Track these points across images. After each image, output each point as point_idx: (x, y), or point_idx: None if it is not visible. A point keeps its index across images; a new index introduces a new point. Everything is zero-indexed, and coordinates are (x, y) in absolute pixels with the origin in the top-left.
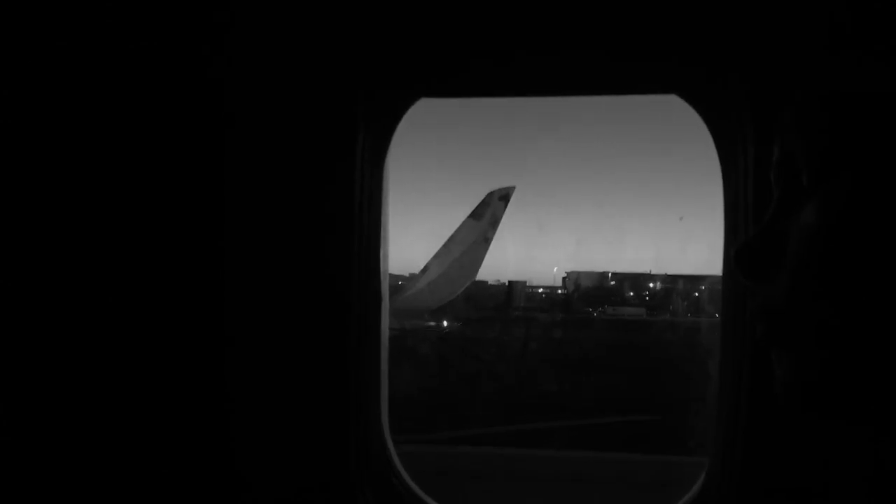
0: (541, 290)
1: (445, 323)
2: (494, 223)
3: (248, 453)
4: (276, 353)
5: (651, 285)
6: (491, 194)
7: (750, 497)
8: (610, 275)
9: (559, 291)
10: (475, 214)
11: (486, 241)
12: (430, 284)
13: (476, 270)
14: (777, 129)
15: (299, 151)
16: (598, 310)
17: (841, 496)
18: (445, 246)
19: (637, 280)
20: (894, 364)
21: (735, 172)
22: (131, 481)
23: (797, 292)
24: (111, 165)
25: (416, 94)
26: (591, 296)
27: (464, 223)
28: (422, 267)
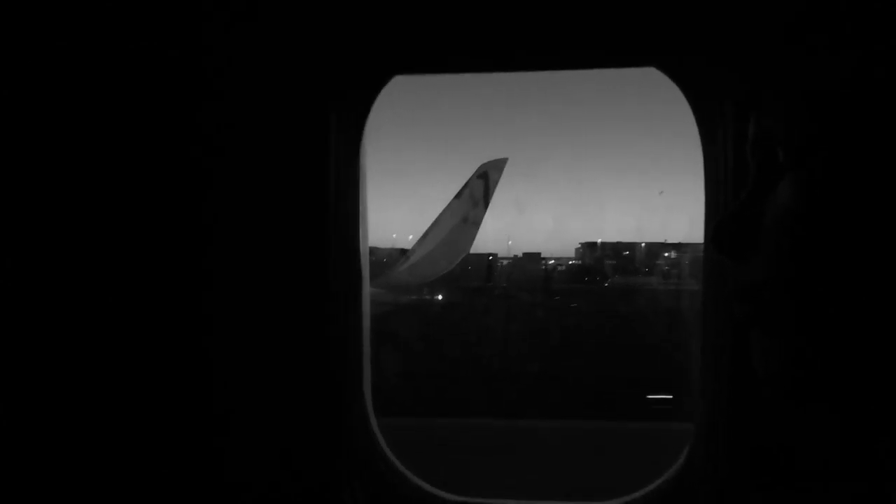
0: (552, 262)
1: (440, 297)
2: (478, 206)
3: (231, 436)
4: (258, 336)
5: (666, 254)
6: (482, 167)
7: (736, 459)
8: (624, 245)
9: (570, 262)
10: (466, 188)
11: (474, 223)
12: (422, 259)
13: (470, 243)
14: (755, 107)
15: (270, 135)
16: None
17: (817, 454)
18: (436, 221)
19: (651, 249)
20: (870, 348)
21: (714, 145)
22: (115, 458)
23: (773, 274)
24: (88, 159)
25: (389, 72)
26: (608, 266)
27: (454, 198)
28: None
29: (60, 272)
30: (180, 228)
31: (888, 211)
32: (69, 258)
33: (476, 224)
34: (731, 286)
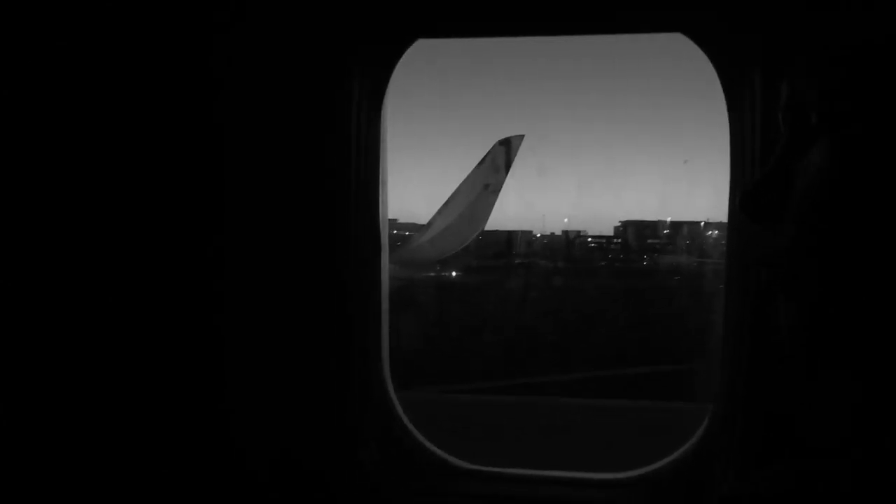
0: (589, 241)
1: (454, 273)
2: (499, 173)
3: (250, 405)
4: (277, 302)
5: (709, 234)
6: (496, 144)
7: (751, 442)
8: (667, 223)
9: (615, 241)
10: (482, 165)
11: (494, 191)
12: (436, 236)
13: (485, 221)
14: (788, 71)
15: (293, 99)
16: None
17: (836, 425)
18: (451, 197)
19: (693, 228)
20: (879, 320)
21: (741, 112)
22: (131, 431)
23: (801, 238)
24: (102, 136)
25: (412, 36)
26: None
27: (470, 174)
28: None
29: (73, 265)
30: (199, 194)
31: None
32: (81, 249)
33: (496, 192)
34: (757, 252)
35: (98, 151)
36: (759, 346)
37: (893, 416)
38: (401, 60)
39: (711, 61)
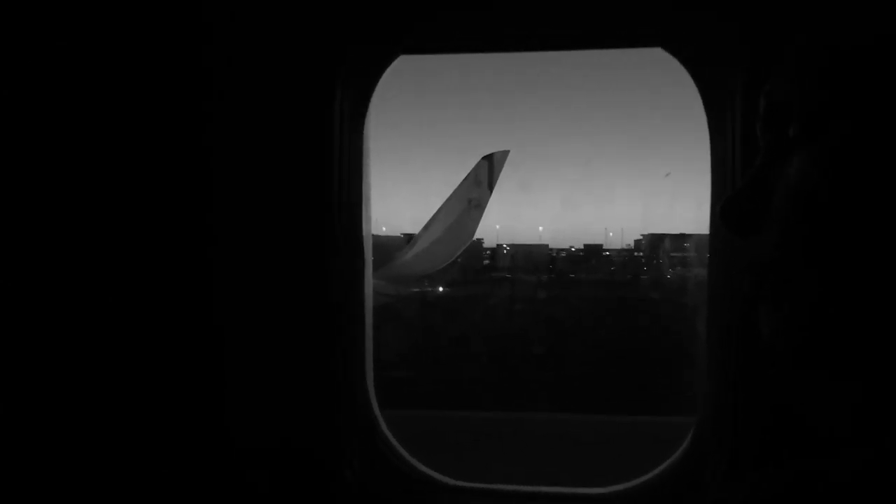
0: (607, 253)
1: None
2: (483, 188)
3: (235, 423)
4: (261, 320)
5: None
6: (482, 160)
7: (737, 454)
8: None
9: (637, 254)
10: (466, 180)
11: (477, 206)
12: (422, 252)
13: (471, 235)
14: (767, 80)
15: (275, 114)
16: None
17: (829, 449)
18: (437, 213)
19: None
20: (881, 320)
21: (723, 127)
22: (120, 454)
23: (784, 246)
24: (91, 140)
25: (395, 52)
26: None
27: (455, 190)
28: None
29: (63, 270)
30: (180, 212)
31: None
32: (70, 253)
33: (479, 207)
34: (740, 262)
35: (87, 156)
36: (745, 354)
37: (892, 417)
38: (385, 75)
39: (690, 73)
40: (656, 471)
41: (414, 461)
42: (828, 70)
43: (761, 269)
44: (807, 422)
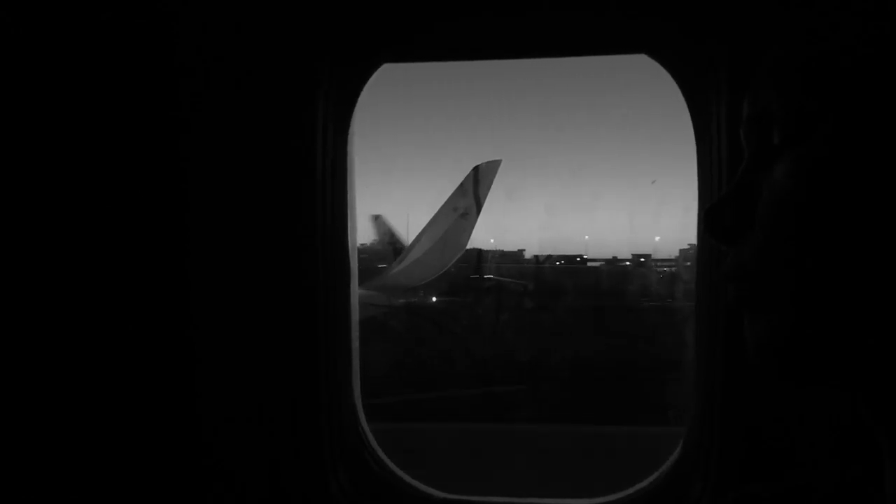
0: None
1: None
2: (476, 198)
3: (217, 434)
4: (243, 331)
5: None
6: (474, 169)
7: (727, 466)
8: None
9: (687, 264)
10: (458, 190)
11: (467, 216)
12: (413, 262)
13: (463, 246)
14: (750, 85)
15: (256, 124)
16: None
17: (818, 459)
18: (429, 224)
19: None
20: (865, 328)
21: (708, 134)
22: (99, 466)
23: (768, 255)
24: (68, 145)
25: (378, 60)
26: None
27: (447, 200)
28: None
29: (37, 274)
30: (159, 224)
31: (890, 190)
32: (44, 258)
33: (468, 216)
34: (724, 269)
35: (64, 162)
36: (732, 364)
37: (874, 430)
38: (369, 84)
39: (675, 79)
40: (647, 480)
41: (402, 473)
42: (811, 76)
43: (745, 278)
44: (792, 433)
